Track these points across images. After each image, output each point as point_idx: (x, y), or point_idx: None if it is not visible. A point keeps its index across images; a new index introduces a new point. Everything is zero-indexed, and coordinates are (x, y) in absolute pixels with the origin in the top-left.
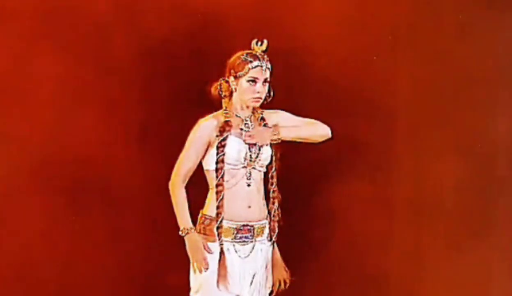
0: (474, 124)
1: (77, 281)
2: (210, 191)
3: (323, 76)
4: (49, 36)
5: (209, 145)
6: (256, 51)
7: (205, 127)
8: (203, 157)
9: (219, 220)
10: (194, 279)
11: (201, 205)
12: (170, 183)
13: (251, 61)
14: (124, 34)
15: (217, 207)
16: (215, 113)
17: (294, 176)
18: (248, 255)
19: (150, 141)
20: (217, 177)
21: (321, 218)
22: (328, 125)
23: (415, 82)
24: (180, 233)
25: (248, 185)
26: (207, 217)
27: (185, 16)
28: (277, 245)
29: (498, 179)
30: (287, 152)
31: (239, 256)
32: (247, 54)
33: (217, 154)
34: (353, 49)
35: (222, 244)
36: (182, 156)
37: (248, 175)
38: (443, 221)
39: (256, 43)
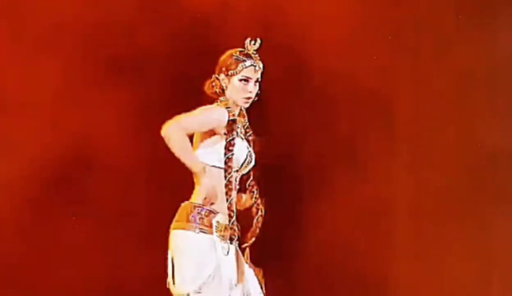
0: (474, 124)
1: (77, 281)
2: (197, 186)
3: (322, 76)
4: (49, 37)
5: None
6: (249, 51)
7: (222, 115)
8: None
9: (232, 221)
10: (192, 280)
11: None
12: (168, 129)
13: (244, 61)
14: (124, 35)
15: (228, 208)
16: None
17: (293, 176)
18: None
19: (150, 142)
20: (225, 177)
21: (320, 218)
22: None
23: (415, 82)
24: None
25: (238, 190)
26: (205, 208)
27: (185, 16)
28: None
29: (497, 179)
30: (288, 152)
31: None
32: (239, 52)
33: (225, 153)
34: (353, 49)
35: (231, 244)
36: (192, 117)
37: (238, 180)
38: (442, 221)
39: (250, 42)
